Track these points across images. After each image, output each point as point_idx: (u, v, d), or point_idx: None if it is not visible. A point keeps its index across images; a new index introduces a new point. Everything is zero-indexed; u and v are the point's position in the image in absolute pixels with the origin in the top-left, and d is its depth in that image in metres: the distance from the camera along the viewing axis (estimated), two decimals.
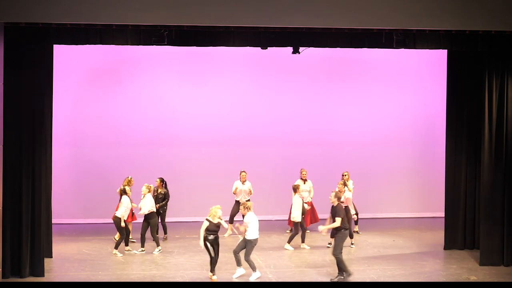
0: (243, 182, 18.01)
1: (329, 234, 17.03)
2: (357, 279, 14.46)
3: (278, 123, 20.22)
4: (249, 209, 14.63)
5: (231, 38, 14.59)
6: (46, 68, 15.04)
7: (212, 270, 14.41)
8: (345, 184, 17.19)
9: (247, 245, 14.52)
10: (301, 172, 18.14)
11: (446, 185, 17.01)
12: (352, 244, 17.13)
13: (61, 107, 18.46)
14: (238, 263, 14.57)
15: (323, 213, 18.53)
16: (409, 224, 19.72)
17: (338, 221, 14.37)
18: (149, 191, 16.58)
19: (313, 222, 18.06)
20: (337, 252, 14.42)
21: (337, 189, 16.05)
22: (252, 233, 14.48)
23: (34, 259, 14.47)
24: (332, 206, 14.67)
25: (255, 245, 14.57)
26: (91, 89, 19.48)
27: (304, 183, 17.98)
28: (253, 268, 14.51)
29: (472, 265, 15.58)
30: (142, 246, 16.50)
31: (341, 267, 14.42)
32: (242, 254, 14.51)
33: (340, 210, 14.47)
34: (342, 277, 14.39)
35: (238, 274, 14.55)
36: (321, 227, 14.68)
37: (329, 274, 14.84)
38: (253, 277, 14.45)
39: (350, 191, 17.35)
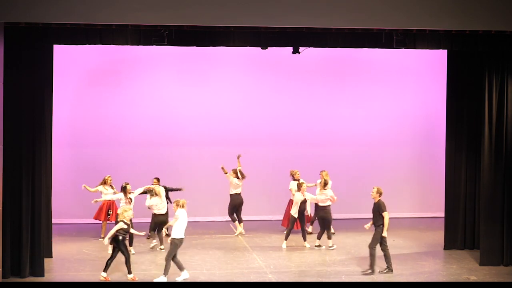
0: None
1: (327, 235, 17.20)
2: (357, 279, 14.46)
3: (278, 123, 20.21)
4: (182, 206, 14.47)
5: (231, 38, 14.59)
6: (46, 68, 15.03)
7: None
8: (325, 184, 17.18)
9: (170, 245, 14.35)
10: (296, 173, 18.06)
11: (446, 185, 17.00)
12: (330, 246, 16.93)
13: (61, 107, 18.44)
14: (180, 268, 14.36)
15: None
16: (409, 224, 19.71)
17: (386, 216, 14.67)
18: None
19: (308, 221, 18.14)
20: (373, 245, 14.74)
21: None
22: (177, 232, 14.31)
23: (34, 259, 14.46)
24: (375, 202, 14.90)
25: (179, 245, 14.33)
26: (91, 89, 19.47)
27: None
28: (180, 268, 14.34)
29: (472, 265, 15.58)
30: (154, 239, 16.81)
31: (372, 262, 14.77)
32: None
33: (383, 205, 14.75)
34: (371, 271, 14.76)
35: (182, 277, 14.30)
36: (366, 226, 14.97)
37: (329, 274, 14.84)
38: (181, 277, 14.24)
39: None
